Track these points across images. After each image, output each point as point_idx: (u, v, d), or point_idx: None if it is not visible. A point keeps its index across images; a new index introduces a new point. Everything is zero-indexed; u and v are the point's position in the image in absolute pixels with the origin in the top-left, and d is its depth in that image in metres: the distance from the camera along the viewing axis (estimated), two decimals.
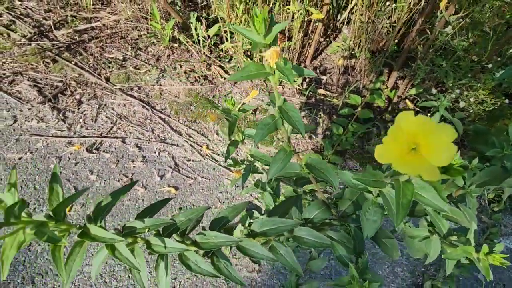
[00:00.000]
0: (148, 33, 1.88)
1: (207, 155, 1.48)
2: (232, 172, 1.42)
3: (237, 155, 1.50)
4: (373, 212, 0.50)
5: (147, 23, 1.89)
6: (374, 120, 1.61)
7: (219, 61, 1.81)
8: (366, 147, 1.58)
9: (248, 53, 1.75)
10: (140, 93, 1.66)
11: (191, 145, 1.50)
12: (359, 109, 1.59)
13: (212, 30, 1.70)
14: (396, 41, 1.62)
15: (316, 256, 0.62)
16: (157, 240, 0.48)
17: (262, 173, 0.85)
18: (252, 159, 0.79)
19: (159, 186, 1.34)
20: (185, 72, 1.77)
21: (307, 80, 1.79)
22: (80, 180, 1.32)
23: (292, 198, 0.64)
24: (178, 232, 0.51)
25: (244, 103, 0.71)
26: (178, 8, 1.85)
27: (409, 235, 0.55)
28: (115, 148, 1.44)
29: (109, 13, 1.94)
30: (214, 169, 1.44)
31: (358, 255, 0.54)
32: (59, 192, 0.41)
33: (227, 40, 1.72)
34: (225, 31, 1.70)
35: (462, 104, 1.02)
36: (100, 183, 1.32)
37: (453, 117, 1.03)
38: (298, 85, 1.77)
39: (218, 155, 1.49)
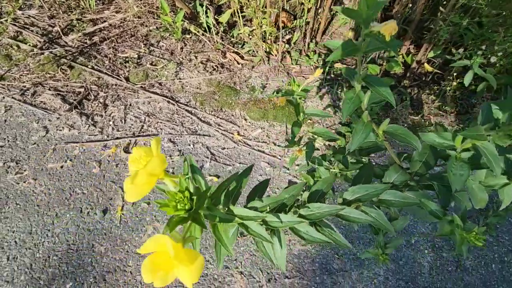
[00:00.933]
0: (157, 28, 1.86)
1: (239, 141, 1.52)
2: (266, 154, 1.47)
3: (268, 137, 1.54)
4: (459, 167, 0.55)
5: (154, 18, 1.87)
6: (395, 88, 1.65)
7: (233, 47, 1.81)
8: (391, 115, 1.62)
9: (264, 37, 1.74)
10: (162, 89, 1.67)
11: (222, 134, 1.53)
12: None
13: (224, 17, 1.69)
14: (409, 5, 1.63)
15: (397, 216, 0.67)
16: (272, 217, 0.53)
17: (318, 149, 0.89)
18: (313, 136, 0.83)
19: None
20: (201, 63, 1.77)
21: (322, 56, 1.81)
22: (124, 179, 1.36)
23: (366, 166, 0.68)
24: (286, 209, 0.56)
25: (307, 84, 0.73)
26: None
27: (486, 184, 0.60)
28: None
29: (113, 11, 1.91)
30: (249, 154, 1.48)
31: (445, 209, 0.59)
32: (201, 180, 0.45)
33: (241, 26, 1.71)
34: (239, 16, 1.69)
35: (493, 59, 1.05)
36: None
37: (486, 73, 1.07)
38: (315, 62, 1.78)
39: (250, 140, 1.53)
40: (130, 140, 1.48)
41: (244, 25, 1.77)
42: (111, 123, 1.54)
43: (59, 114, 1.54)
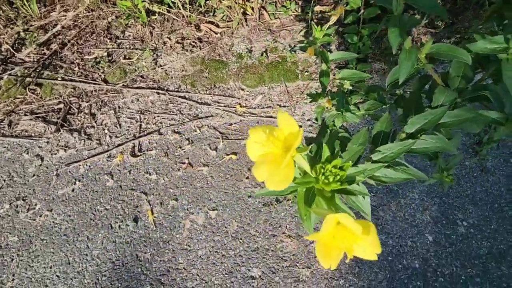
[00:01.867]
0: (116, 17, 1.68)
1: (244, 113, 1.47)
2: (275, 118, 1.43)
3: (271, 101, 1.49)
4: None
5: (109, 6, 1.67)
6: (382, 17, 1.60)
7: (204, 17, 1.67)
8: (383, 45, 1.59)
9: None
10: (146, 82, 1.55)
11: (224, 110, 1.47)
12: (362, 10, 1.56)
13: None
14: None
15: (451, 136, 0.67)
16: (355, 169, 0.50)
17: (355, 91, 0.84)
18: (342, 82, 0.79)
19: (219, 158, 1.35)
20: (177, 43, 1.64)
21: (300, 3, 1.71)
22: (142, 184, 1.30)
23: (415, 94, 0.66)
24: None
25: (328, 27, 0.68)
26: None
27: None
28: (156, 143, 1.40)
29: (61, 11, 1.69)
30: (257, 122, 1.44)
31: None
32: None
33: None
34: None
35: None
36: (163, 179, 1.31)
37: None
38: (293, 11, 1.69)
39: (254, 108, 1.48)
40: (133, 143, 1.40)
41: None
42: (106, 131, 1.43)
43: (47, 138, 1.42)
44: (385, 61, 1.56)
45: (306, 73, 1.55)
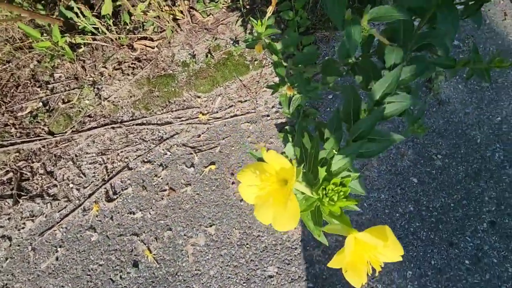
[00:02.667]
0: (39, 62, 1.52)
1: (208, 119, 1.42)
2: (241, 115, 1.40)
3: (231, 100, 1.46)
4: (447, 10, 0.56)
5: (26, 52, 1.51)
6: None
7: (135, 35, 1.57)
8: (319, 12, 1.60)
9: (159, 5, 1.52)
10: (96, 120, 1.44)
11: (187, 124, 1.41)
12: None
13: (107, 8, 1.42)
14: None
15: (411, 89, 0.70)
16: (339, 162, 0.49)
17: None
18: (297, 67, 0.78)
19: (199, 173, 1.31)
20: (115, 69, 1.53)
21: None
22: (129, 226, 1.23)
23: (368, 60, 0.67)
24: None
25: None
26: (41, 10, 1.47)
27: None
28: (129, 180, 1.32)
29: None
30: (225, 125, 1.41)
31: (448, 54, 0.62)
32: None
33: (129, 8, 1.46)
34: None
35: None
36: (149, 213, 1.25)
37: None
38: (223, 2, 1.64)
39: (217, 112, 1.44)
40: (105, 188, 1.31)
41: (133, 6, 1.52)
42: (71, 185, 1.32)
43: (7, 214, 1.28)
44: (325, 28, 1.58)
45: (256, 62, 1.53)
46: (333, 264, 0.27)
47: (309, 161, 0.31)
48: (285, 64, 0.73)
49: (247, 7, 1.63)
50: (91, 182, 1.32)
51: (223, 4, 1.63)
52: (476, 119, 1.33)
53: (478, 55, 0.53)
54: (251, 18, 0.64)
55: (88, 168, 1.35)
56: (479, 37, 1.47)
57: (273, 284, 1.10)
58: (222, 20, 1.63)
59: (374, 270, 0.29)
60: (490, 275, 1.07)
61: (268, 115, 1.41)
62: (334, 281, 1.09)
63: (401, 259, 0.28)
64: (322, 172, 0.28)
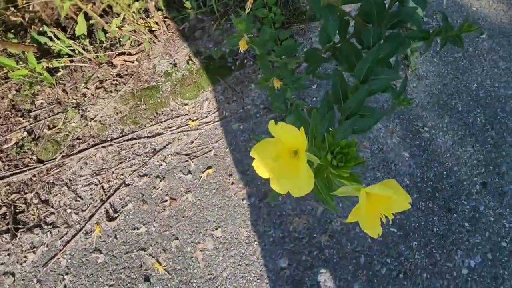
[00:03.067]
0: (17, 91, 1.49)
1: (199, 125, 1.43)
2: (231, 117, 1.42)
3: (218, 102, 1.47)
4: None
5: (3, 83, 1.47)
6: None
7: (112, 51, 1.56)
8: (292, 7, 1.64)
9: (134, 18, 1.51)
10: (85, 142, 1.42)
11: (178, 132, 1.41)
12: None
13: (80, 28, 1.41)
14: None
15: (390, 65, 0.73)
16: None
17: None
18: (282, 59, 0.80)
19: (197, 179, 1.31)
20: (97, 88, 1.51)
21: None
22: (135, 241, 1.22)
23: (347, 43, 0.69)
24: None
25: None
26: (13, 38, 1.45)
27: None
28: (128, 196, 1.31)
29: None
30: (216, 128, 1.42)
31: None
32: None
33: (103, 25, 1.45)
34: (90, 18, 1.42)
35: None
36: (153, 226, 1.24)
37: None
38: (196, 8, 1.65)
39: (206, 117, 1.45)
40: (105, 208, 1.29)
41: (107, 23, 1.51)
42: (69, 211, 1.30)
43: (7, 250, 1.24)
44: (300, 21, 1.62)
45: (237, 62, 1.54)
46: (350, 219, 0.29)
47: (312, 133, 0.33)
48: (269, 58, 0.75)
49: (221, 10, 1.65)
50: (90, 204, 1.30)
51: (196, 9, 1.64)
52: (454, 88, 1.39)
53: (448, 23, 0.56)
54: (231, 16, 0.66)
55: (84, 191, 1.33)
56: (446, 12, 1.54)
57: (287, 275, 1.11)
58: (198, 26, 1.64)
59: (388, 219, 0.31)
60: (489, 233, 1.12)
61: (257, 112, 1.42)
62: (344, 264, 1.12)
63: (409, 206, 0.31)
64: (329, 138, 0.30)
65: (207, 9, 1.64)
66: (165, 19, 1.60)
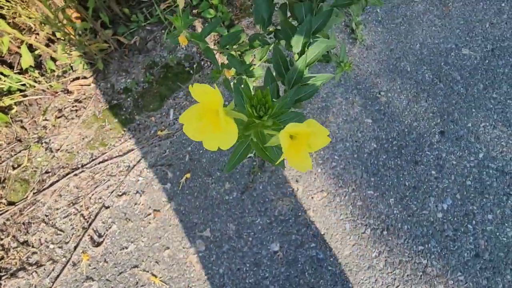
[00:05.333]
0: None
1: (168, 134, 1.43)
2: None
3: (183, 108, 1.48)
4: None
5: None
6: None
7: (66, 77, 1.53)
8: (238, 2, 1.68)
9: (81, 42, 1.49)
10: (55, 174, 1.38)
11: (149, 145, 1.41)
12: None
13: (26, 60, 1.37)
14: None
15: (328, 36, 0.78)
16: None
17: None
18: (227, 49, 0.83)
19: (177, 187, 1.31)
20: (57, 118, 1.48)
21: (144, 10, 1.67)
22: (127, 260, 1.21)
23: (285, 21, 0.73)
24: None
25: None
26: None
27: None
28: (110, 218, 1.29)
29: None
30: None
31: None
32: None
33: (51, 54, 1.42)
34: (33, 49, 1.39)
35: None
36: (142, 241, 1.24)
37: None
38: (143, 21, 1.65)
39: (174, 124, 1.45)
40: (89, 235, 1.27)
41: (54, 51, 1.47)
42: (52, 246, 1.26)
43: None
44: (248, 15, 1.66)
45: (195, 66, 1.56)
46: (279, 160, 0.32)
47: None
48: (215, 49, 0.78)
49: (169, 18, 1.66)
50: (72, 235, 1.27)
51: (143, 22, 1.64)
52: (400, 51, 1.48)
53: None
54: (169, 16, 0.68)
55: (63, 223, 1.30)
56: None
57: (280, 258, 1.15)
58: (149, 38, 1.64)
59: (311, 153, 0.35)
60: (454, 175, 1.21)
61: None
62: (332, 233, 1.17)
63: (329, 139, 0.34)
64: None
65: (154, 19, 1.65)
66: (114, 36, 1.58)
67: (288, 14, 0.85)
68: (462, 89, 1.37)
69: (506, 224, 1.11)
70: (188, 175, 1.33)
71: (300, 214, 1.21)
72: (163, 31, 1.64)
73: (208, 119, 0.31)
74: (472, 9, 1.53)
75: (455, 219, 1.14)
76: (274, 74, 0.64)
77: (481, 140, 1.26)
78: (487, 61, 1.41)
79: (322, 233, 1.17)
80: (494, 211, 1.13)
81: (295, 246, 1.16)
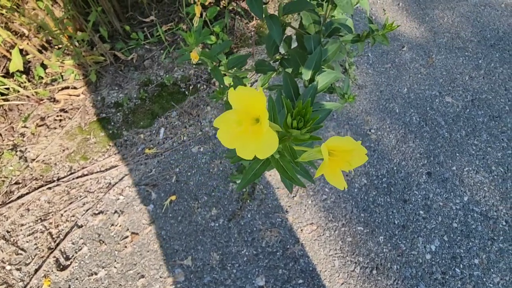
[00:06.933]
0: None
1: (156, 153, 1.38)
2: (191, 141, 1.40)
3: (174, 128, 1.45)
4: None
5: None
6: (223, 13, 1.74)
7: (54, 86, 1.47)
8: (238, 33, 1.74)
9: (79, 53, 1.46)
10: (26, 186, 1.27)
11: (135, 162, 1.35)
12: (204, 13, 1.67)
13: (16, 64, 1.31)
14: None
15: (333, 68, 0.80)
16: None
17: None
18: (233, 71, 0.83)
19: (159, 209, 1.24)
20: (38, 126, 1.39)
21: (145, 29, 1.69)
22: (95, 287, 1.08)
23: (293, 50, 0.75)
24: None
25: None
26: None
27: None
28: (82, 238, 1.18)
29: None
30: (175, 154, 1.38)
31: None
32: None
33: (43, 60, 1.37)
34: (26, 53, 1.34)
35: None
36: (114, 267, 1.12)
37: None
38: (143, 40, 1.66)
39: (164, 143, 1.41)
40: (54, 256, 1.14)
41: (48, 58, 1.43)
42: (9, 267, 1.12)
43: None
44: (247, 45, 1.72)
45: (191, 87, 1.56)
46: (317, 174, 0.30)
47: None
48: (223, 72, 0.78)
49: (169, 39, 1.68)
50: (35, 256, 1.14)
51: (143, 41, 1.65)
52: (390, 93, 1.56)
53: (374, 24, 0.65)
54: (180, 31, 0.68)
55: (27, 241, 1.16)
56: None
57: None
58: (147, 56, 1.64)
59: (351, 171, 0.33)
60: (441, 217, 1.22)
61: (215, 133, 1.43)
62: (321, 270, 1.12)
63: (367, 158, 0.33)
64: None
65: (154, 39, 1.66)
66: (111, 51, 1.57)
67: (293, 45, 0.89)
68: (446, 133, 1.44)
69: (492, 270, 1.11)
70: (173, 197, 1.26)
71: (288, 246, 1.16)
72: (162, 51, 1.65)
73: (247, 126, 0.29)
74: (454, 63, 1.67)
75: (443, 261, 1.13)
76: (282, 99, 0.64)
77: (465, 184, 1.30)
78: (468, 110, 1.51)
79: (311, 269, 1.12)
80: (480, 255, 1.14)
81: (282, 282, 1.09)
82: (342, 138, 0.30)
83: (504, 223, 1.21)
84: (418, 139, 1.42)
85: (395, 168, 1.34)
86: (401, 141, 1.41)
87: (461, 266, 1.12)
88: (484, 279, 1.09)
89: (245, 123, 0.29)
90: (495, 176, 1.32)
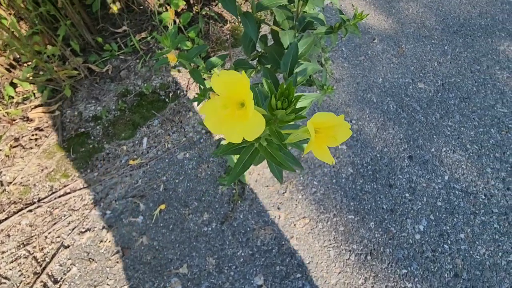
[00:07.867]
0: None
1: (141, 163, 1.35)
2: (175, 148, 1.38)
3: (157, 137, 1.42)
4: None
5: None
6: (196, 18, 1.74)
7: (26, 104, 1.41)
8: (214, 37, 1.74)
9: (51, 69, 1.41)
10: (3, 210, 1.20)
11: (120, 175, 1.31)
12: (177, 20, 1.67)
13: None
14: None
15: (309, 61, 0.82)
16: None
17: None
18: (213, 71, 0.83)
19: (150, 220, 1.21)
20: (13, 147, 1.33)
21: (119, 39, 1.66)
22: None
23: (270, 47, 0.77)
24: None
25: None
26: None
27: None
28: (70, 259, 1.13)
29: None
30: (162, 161, 1.36)
31: None
32: None
33: (16, 75, 1.32)
34: None
35: None
36: (107, 286, 1.08)
37: None
38: (116, 51, 1.63)
39: (148, 153, 1.38)
40: (41, 281, 1.08)
41: (15, 78, 1.37)
42: None
43: None
44: (223, 48, 1.73)
45: (171, 94, 1.54)
46: (306, 151, 0.31)
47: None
48: (202, 72, 0.78)
49: (144, 48, 1.66)
50: (20, 283, 1.08)
51: (117, 52, 1.62)
52: (366, 84, 1.61)
53: (344, 15, 0.68)
54: (156, 35, 0.67)
55: (10, 269, 1.10)
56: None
57: None
58: (122, 67, 1.61)
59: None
60: (426, 197, 1.27)
61: (200, 138, 1.42)
62: (318, 261, 1.13)
63: (351, 132, 0.34)
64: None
65: (129, 49, 1.64)
66: (85, 64, 1.53)
67: (269, 43, 0.90)
68: (422, 117, 1.50)
69: (477, 242, 1.16)
70: (162, 207, 1.24)
71: (283, 243, 1.16)
72: (137, 60, 1.63)
73: (233, 110, 0.29)
74: (422, 50, 1.76)
75: (432, 239, 1.17)
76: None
77: (444, 164, 1.36)
78: (439, 94, 1.59)
79: (307, 262, 1.12)
80: (465, 230, 1.19)
81: (280, 278, 1.09)
82: (326, 114, 0.31)
83: (483, 197, 1.27)
84: (397, 125, 1.47)
85: (378, 155, 1.38)
86: (381, 129, 1.46)
87: (449, 242, 1.16)
88: (471, 252, 1.14)
89: (231, 108, 0.29)
90: (471, 154, 1.39)
